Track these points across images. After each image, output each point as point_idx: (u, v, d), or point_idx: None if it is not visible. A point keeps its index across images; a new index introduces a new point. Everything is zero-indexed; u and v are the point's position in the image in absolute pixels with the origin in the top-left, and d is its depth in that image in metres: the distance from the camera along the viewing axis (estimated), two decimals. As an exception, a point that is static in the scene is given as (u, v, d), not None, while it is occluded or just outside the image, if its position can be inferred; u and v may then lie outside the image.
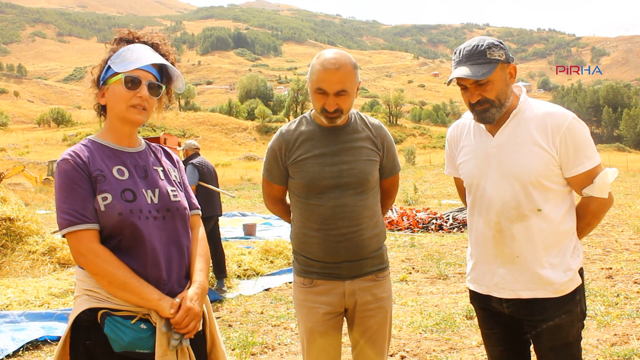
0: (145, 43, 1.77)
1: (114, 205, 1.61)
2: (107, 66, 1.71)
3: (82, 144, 1.70)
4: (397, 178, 2.35)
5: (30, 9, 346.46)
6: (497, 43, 1.86)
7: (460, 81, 1.89)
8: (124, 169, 1.69)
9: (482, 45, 1.85)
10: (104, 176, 1.64)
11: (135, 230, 1.62)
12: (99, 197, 1.61)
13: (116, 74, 1.68)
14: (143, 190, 1.69)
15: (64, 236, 1.61)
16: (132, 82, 1.66)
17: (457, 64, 1.89)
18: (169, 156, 1.91)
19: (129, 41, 1.76)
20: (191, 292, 1.69)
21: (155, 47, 1.78)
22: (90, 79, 1.76)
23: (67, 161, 1.62)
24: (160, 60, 1.73)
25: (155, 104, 1.75)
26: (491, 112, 1.87)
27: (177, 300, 1.64)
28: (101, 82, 1.72)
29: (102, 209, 1.60)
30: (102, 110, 1.77)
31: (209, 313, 1.82)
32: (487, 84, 1.85)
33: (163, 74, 1.78)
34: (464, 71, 1.83)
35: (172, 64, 1.81)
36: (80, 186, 1.60)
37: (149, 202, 1.68)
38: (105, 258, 1.57)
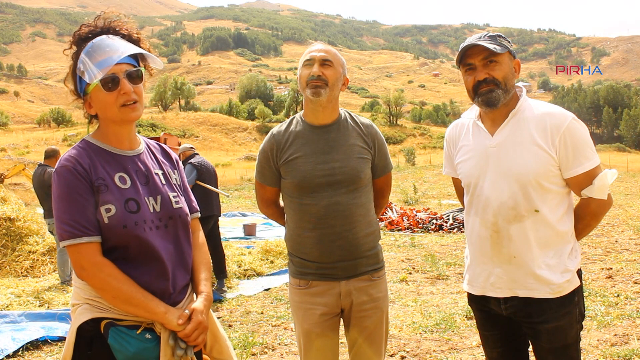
0: (101, 32, 1.61)
1: (118, 217, 1.54)
2: (78, 78, 1.60)
3: (81, 147, 1.61)
4: (389, 177, 2.35)
5: (30, 9, 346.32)
6: (505, 36, 1.93)
7: (468, 60, 1.90)
8: (125, 176, 1.62)
9: (492, 33, 1.93)
10: (107, 185, 1.56)
11: (141, 242, 1.56)
12: (102, 209, 1.54)
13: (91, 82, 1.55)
14: (145, 199, 1.62)
15: (64, 247, 1.54)
16: (110, 83, 1.55)
17: (468, 43, 1.90)
18: (167, 156, 1.83)
19: (87, 37, 1.60)
20: (200, 305, 1.65)
21: (113, 31, 1.63)
22: (69, 90, 1.65)
23: (67, 168, 1.54)
24: (129, 50, 1.57)
25: (143, 90, 1.64)
26: (497, 93, 1.87)
27: (187, 312, 1.60)
28: (81, 94, 1.62)
29: (106, 221, 1.53)
30: (94, 115, 1.67)
31: (214, 328, 1.80)
32: (495, 64, 1.87)
33: (136, 56, 1.65)
34: (478, 41, 1.86)
35: (138, 39, 1.67)
36: (81, 196, 1.52)
37: (152, 210, 1.62)
38: (109, 272, 1.51)
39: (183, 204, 1.74)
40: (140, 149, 1.72)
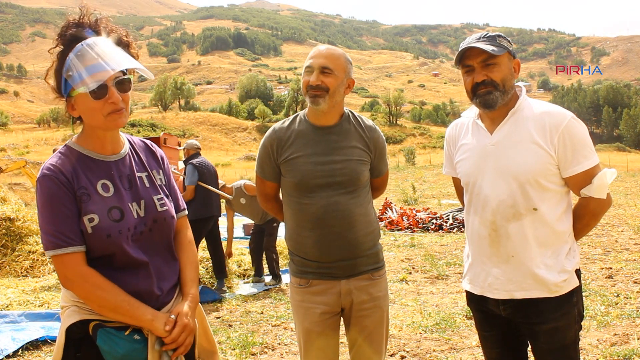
0: (87, 30, 1.55)
1: (101, 227, 1.52)
2: (63, 80, 1.53)
3: (63, 155, 1.56)
4: (385, 177, 2.38)
5: (30, 9, 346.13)
6: (505, 36, 1.92)
7: (467, 61, 1.90)
8: (108, 183, 1.58)
9: (492, 33, 1.92)
10: (89, 195, 1.53)
11: (125, 251, 1.55)
12: (85, 219, 1.51)
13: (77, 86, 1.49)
14: (129, 205, 1.59)
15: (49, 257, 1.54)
16: (98, 91, 1.49)
17: (466, 45, 1.90)
18: (152, 154, 1.78)
19: (76, 38, 1.53)
20: (185, 307, 1.63)
21: (97, 31, 1.56)
22: (50, 87, 1.58)
23: (49, 178, 1.50)
24: (123, 63, 1.50)
25: (129, 97, 1.59)
26: (495, 95, 1.87)
27: (173, 317, 1.59)
28: (65, 95, 1.55)
29: (90, 230, 1.51)
30: (77, 118, 1.61)
31: (202, 319, 1.79)
32: (494, 65, 1.87)
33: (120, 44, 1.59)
34: (477, 44, 1.86)
35: (128, 43, 1.61)
36: (64, 206, 1.49)
37: (136, 216, 1.59)
38: (94, 282, 1.49)
39: (168, 205, 1.71)
40: (124, 152, 1.67)
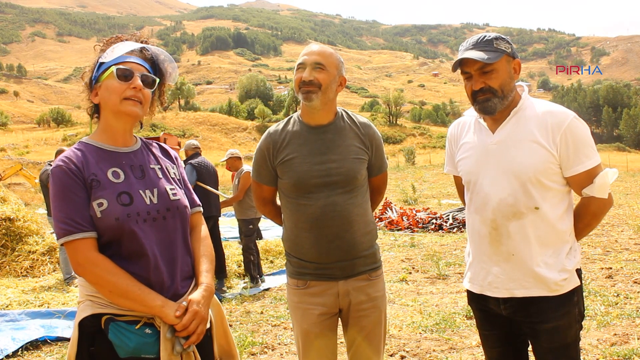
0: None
1: (110, 211, 1.56)
2: (98, 64, 1.68)
3: (75, 148, 1.66)
4: (385, 175, 2.36)
5: (30, 9, 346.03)
6: (504, 37, 1.91)
7: (465, 68, 1.90)
8: (119, 170, 1.65)
9: (490, 36, 1.91)
10: (99, 181, 1.60)
11: (133, 235, 1.58)
12: (95, 204, 1.57)
13: (107, 69, 1.64)
14: (140, 192, 1.64)
15: (62, 245, 1.57)
16: (124, 74, 1.63)
17: (463, 51, 1.90)
18: (166, 153, 1.86)
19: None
20: (198, 295, 1.66)
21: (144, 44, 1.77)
22: (83, 83, 1.72)
23: (60, 168, 1.58)
24: (147, 46, 1.73)
25: (150, 98, 1.71)
26: (493, 101, 1.87)
27: (184, 303, 1.61)
28: (94, 82, 1.69)
29: (99, 215, 1.56)
30: (95, 111, 1.72)
31: (222, 319, 1.80)
32: (491, 72, 1.86)
33: (156, 70, 1.75)
34: (471, 53, 1.85)
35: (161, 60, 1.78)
36: (75, 193, 1.56)
37: (148, 202, 1.64)
38: (104, 267, 1.53)
39: (181, 196, 1.75)
40: (136, 146, 1.76)
